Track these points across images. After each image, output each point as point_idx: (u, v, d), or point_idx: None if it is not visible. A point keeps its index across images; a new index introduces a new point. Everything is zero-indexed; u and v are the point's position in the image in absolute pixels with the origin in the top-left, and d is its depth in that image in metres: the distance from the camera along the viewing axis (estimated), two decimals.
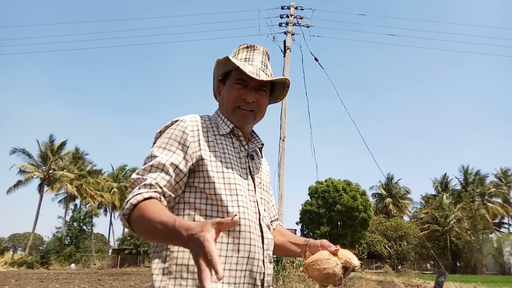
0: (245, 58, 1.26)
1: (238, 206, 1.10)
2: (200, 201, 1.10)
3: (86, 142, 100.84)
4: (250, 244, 1.09)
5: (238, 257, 1.06)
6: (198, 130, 1.16)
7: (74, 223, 35.01)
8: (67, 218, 36.95)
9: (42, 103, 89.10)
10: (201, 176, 1.11)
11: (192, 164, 1.11)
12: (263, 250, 1.13)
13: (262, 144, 1.34)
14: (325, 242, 1.19)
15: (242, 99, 1.22)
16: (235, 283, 1.04)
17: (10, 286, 13.11)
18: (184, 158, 1.10)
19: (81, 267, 31.31)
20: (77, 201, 39.72)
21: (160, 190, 1.04)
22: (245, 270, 1.06)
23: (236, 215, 0.78)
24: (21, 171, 36.98)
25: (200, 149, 1.13)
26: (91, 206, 38.99)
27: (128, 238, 36.97)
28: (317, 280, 1.10)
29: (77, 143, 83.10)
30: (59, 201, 39.94)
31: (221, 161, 1.14)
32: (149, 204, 0.97)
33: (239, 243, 1.07)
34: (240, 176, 1.17)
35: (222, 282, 1.02)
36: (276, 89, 1.34)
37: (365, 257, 37.73)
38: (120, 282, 14.86)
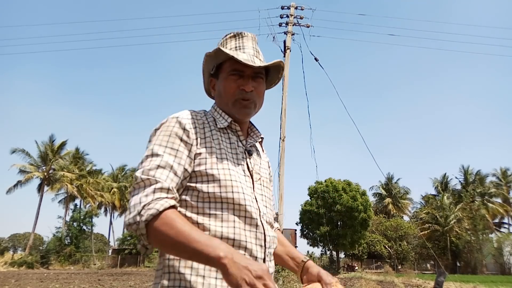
0: (236, 47, 1.22)
1: (234, 203, 1.06)
2: (191, 198, 1.06)
3: (86, 142, 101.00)
4: (246, 242, 1.06)
5: None
6: (195, 127, 1.11)
7: (74, 223, 35.00)
8: (67, 218, 36.97)
9: (42, 103, 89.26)
10: (197, 173, 1.07)
11: (194, 162, 1.08)
12: (265, 248, 1.09)
13: (262, 138, 1.29)
14: (323, 273, 1.18)
15: (241, 89, 1.17)
16: None
17: (10, 286, 13.11)
18: (188, 156, 1.06)
19: (81, 267, 31.29)
20: (77, 201, 39.77)
21: (176, 196, 1.00)
22: None
23: None
24: (21, 171, 37.00)
25: (198, 147, 1.09)
26: (91, 206, 38.98)
27: (128, 238, 36.93)
28: None
29: (77, 143, 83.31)
30: (59, 201, 39.99)
31: (216, 157, 1.09)
32: (176, 215, 0.95)
33: (240, 240, 1.04)
34: (237, 172, 1.12)
35: (216, 277, 1.00)
36: (270, 74, 1.30)
37: (365, 257, 37.73)
38: (120, 282, 14.86)
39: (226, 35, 1.26)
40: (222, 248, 0.87)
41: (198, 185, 1.06)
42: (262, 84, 1.22)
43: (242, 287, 0.82)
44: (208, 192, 1.05)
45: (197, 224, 1.03)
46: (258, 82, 1.20)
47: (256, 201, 1.13)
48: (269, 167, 1.36)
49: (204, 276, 0.99)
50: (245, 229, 1.06)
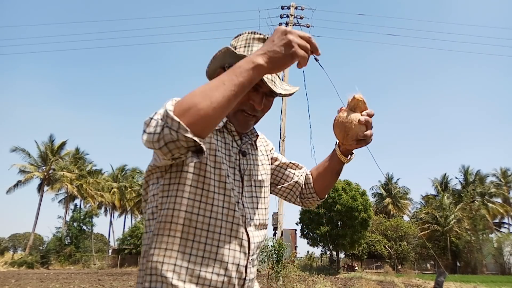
0: None
1: (223, 207, 1.05)
2: (183, 194, 1.02)
3: (86, 142, 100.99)
4: (229, 249, 1.04)
5: (216, 260, 1.01)
6: None
7: (74, 223, 35.01)
8: (67, 218, 36.98)
9: (42, 103, 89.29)
10: (191, 167, 1.05)
11: None
12: (249, 256, 1.07)
13: (257, 136, 1.24)
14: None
15: (250, 104, 1.11)
16: (210, 286, 1.00)
17: (10, 286, 13.10)
18: None
19: (81, 267, 31.28)
20: (77, 201, 39.77)
21: None
22: (224, 275, 1.01)
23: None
24: (21, 171, 37.02)
25: None
26: (91, 206, 38.98)
27: (128, 238, 36.94)
28: (344, 132, 1.13)
29: (77, 143, 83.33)
30: (59, 201, 39.99)
31: (212, 155, 1.07)
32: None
33: (218, 246, 1.03)
34: (228, 175, 1.09)
35: (196, 283, 0.99)
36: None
37: (365, 257, 37.72)
38: (120, 282, 14.85)
39: (251, 33, 1.17)
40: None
41: (190, 176, 1.04)
42: (271, 102, 1.17)
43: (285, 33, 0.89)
44: (200, 188, 1.04)
45: (183, 219, 1.01)
46: (269, 100, 1.15)
47: (243, 206, 1.10)
48: (268, 157, 1.31)
49: (184, 281, 0.98)
50: (231, 235, 1.04)
